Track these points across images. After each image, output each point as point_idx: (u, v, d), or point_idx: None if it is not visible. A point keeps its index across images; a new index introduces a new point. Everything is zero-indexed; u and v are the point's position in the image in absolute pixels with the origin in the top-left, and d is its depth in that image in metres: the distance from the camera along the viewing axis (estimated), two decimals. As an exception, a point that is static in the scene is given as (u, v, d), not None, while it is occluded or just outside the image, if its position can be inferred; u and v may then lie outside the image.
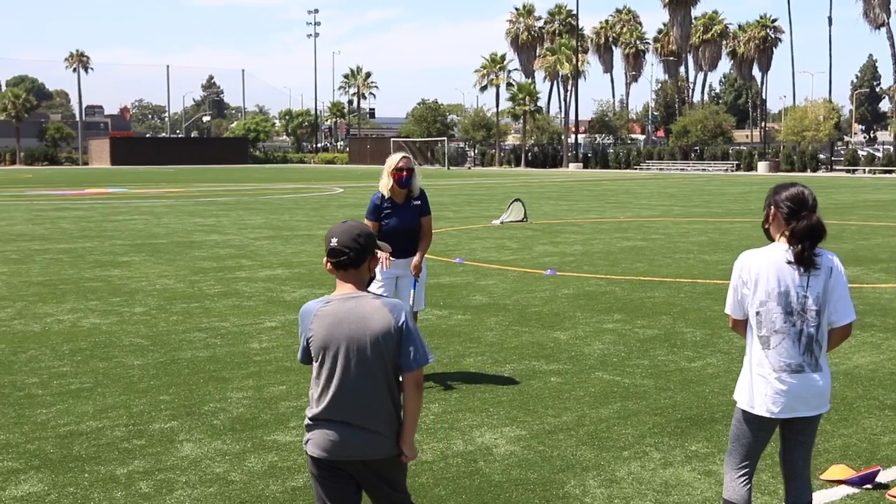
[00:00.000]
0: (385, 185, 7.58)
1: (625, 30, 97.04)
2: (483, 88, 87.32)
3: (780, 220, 4.16)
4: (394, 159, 7.64)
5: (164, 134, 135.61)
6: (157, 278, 13.41)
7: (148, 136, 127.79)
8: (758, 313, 4.16)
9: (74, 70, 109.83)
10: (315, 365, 3.60)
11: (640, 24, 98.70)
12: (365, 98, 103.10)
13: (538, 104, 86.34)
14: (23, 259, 15.66)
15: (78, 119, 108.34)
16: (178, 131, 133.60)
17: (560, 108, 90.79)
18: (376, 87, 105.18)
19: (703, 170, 73.34)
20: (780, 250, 4.15)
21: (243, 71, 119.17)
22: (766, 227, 4.27)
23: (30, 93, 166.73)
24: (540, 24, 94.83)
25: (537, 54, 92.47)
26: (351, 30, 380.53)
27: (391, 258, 7.47)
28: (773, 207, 4.20)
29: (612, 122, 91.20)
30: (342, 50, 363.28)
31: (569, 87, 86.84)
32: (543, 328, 9.87)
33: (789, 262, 4.10)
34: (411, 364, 3.55)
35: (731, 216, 25.88)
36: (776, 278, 4.11)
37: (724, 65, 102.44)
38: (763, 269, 4.15)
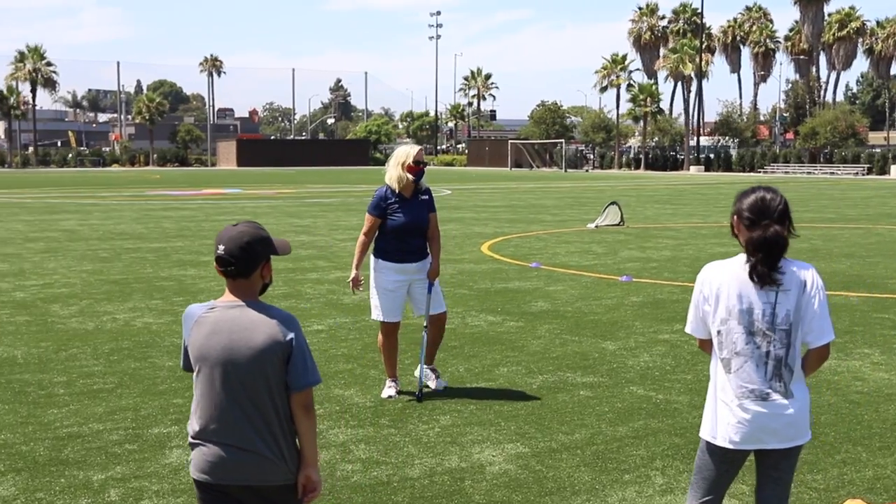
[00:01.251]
0: (396, 177, 7.15)
1: (754, 28, 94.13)
2: (603, 89, 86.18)
3: (743, 230, 3.74)
4: (411, 152, 7.21)
5: (292, 136, 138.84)
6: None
7: (273, 137, 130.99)
8: (719, 332, 3.74)
9: (209, 74, 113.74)
10: (193, 375, 3.37)
11: (770, 21, 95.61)
12: (484, 99, 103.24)
13: (660, 105, 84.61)
14: (110, 258, 16.05)
15: (208, 122, 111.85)
16: (303, 133, 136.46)
17: (684, 109, 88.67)
18: (496, 88, 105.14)
19: (831, 173, 70.42)
20: (744, 262, 3.73)
21: (366, 74, 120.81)
22: (736, 235, 3.85)
23: (168, 97, 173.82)
24: (664, 23, 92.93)
25: (661, 55, 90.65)
26: (479, 32, 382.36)
27: (400, 261, 7.23)
28: (735, 217, 3.77)
29: (737, 124, 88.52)
30: (471, 52, 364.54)
31: (691, 88, 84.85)
32: (594, 337, 9.44)
33: None
34: (298, 384, 3.29)
35: (844, 221, 24.61)
36: (738, 294, 3.69)
37: (860, 63, 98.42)
38: (725, 284, 3.73)
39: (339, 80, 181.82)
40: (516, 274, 14.15)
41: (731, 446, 3.72)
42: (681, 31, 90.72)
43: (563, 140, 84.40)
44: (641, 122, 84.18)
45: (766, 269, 3.62)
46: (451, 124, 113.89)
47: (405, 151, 7.24)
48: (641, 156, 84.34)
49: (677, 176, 69.15)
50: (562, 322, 10.27)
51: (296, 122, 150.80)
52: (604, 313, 10.81)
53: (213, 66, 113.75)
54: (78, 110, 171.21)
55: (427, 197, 7.32)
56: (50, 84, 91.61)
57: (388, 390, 7.31)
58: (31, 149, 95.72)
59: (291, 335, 3.27)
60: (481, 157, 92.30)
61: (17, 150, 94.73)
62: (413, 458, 5.79)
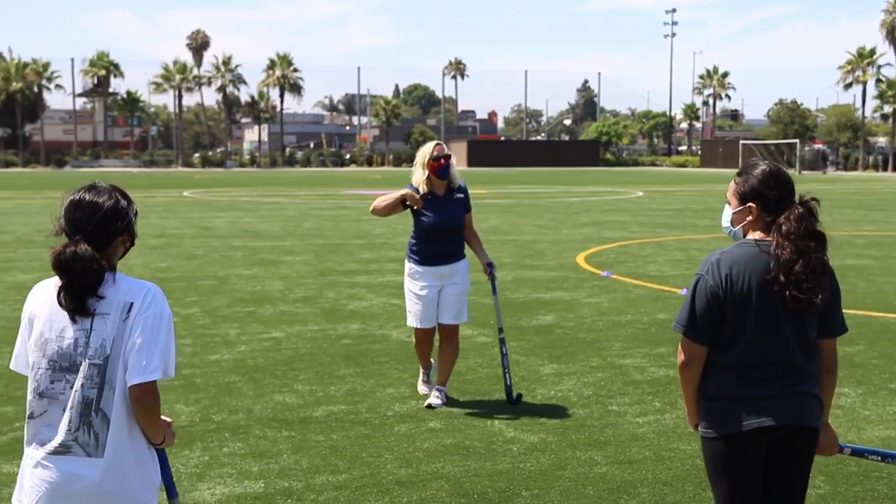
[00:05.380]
0: (420, 179, 6.83)
1: None
2: (847, 86, 79.92)
3: None
4: (426, 149, 6.88)
5: (540, 137, 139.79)
6: (274, 280, 13.35)
7: (502, 138, 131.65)
8: (33, 365, 3.00)
9: (453, 77, 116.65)
10: None
11: None
12: (721, 99, 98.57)
13: (914, 101, 77.35)
14: (201, 255, 16.33)
15: (441, 123, 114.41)
16: (541, 134, 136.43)
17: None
18: (732, 88, 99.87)
19: None
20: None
21: (599, 74, 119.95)
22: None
23: (420, 100, 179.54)
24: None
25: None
26: (735, 30, 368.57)
27: (434, 265, 6.87)
28: None
29: None
30: (726, 51, 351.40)
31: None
32: (545, 359, 8.43)
33: None
34: None
35: None
36: (48, 318, 2.97)
37: None
38: (39, 305, 3.02)
39: (586, 81, 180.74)
40: (574, 284, 13.07)
41: None
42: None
43: (797, 140, 79.01)
44: (891, 121, 77.40)
45: (70, 299, 2.88)
46: (684, 125, 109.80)
47: (425, 150, 6.89)
48: (890, 157, 77.54)
49: (925, 179, 62.95)
50: (536, 339, 9.27)
51: (542, 123, 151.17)
52: (599, 331, 9.67)
53: (458, 69, 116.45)
54: (334, 113, 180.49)
55: (462, 195, 6.97)
56: (296, 89, 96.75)
57: (423, 387, 7.15)
58: (281, 151, 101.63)
59: None
60: (714, 158, 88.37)
61: (269, 151, 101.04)
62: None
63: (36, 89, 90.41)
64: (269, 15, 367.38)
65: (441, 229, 6.84)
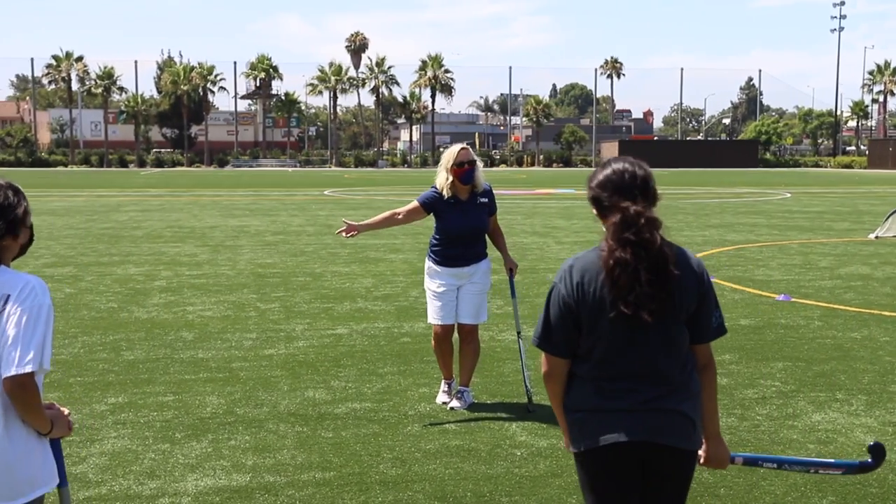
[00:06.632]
0: (443, 183, 6.76)
1: None
2: None
3: None
4: (452, 152, 6.75)
5: (698, 137, 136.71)
6: (366, 277, 13.48)
7: (656, 138, 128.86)
8: None
9: (608, 77, 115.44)
10: None
11: None
12: (893, 95, 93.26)
13: None
14: (308, 252, 16.67)
15: (592, 123, 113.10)
16: (699, 134, 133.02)
17: None
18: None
19: None
20: None
21: (760, 71, 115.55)
22: None
23: (577, 100, 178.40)
24: None
25: None
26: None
27: (454, 266, 6.79)
28: None
29: None
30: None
31: None
32: (597, 363, 8.15)
33: None
34: None
35: None
36: None
37: None
38: None
39: (749, 79, 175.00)
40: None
41: None
42: None
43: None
44: None
45: None
46: (852, 123, 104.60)
47: (450, 153, 6.80)
48: None
49: None
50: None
51: (702, 122, 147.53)
52: (670, 336, 9.30)
53: (614, 68, 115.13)
54: (489, 114, 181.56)
55: (486, 199, 6.89)
56: (446, 89, 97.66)
57: (442, 396, 7.03)
58: (432, 150, 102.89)
59: None
60: (883, 158, 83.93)
61: (420, 151, 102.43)
62: (131, 476, 5.35)
63: (201, 92, 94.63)
64: (431, 16, 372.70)
65: (462, 234, 6.74)
